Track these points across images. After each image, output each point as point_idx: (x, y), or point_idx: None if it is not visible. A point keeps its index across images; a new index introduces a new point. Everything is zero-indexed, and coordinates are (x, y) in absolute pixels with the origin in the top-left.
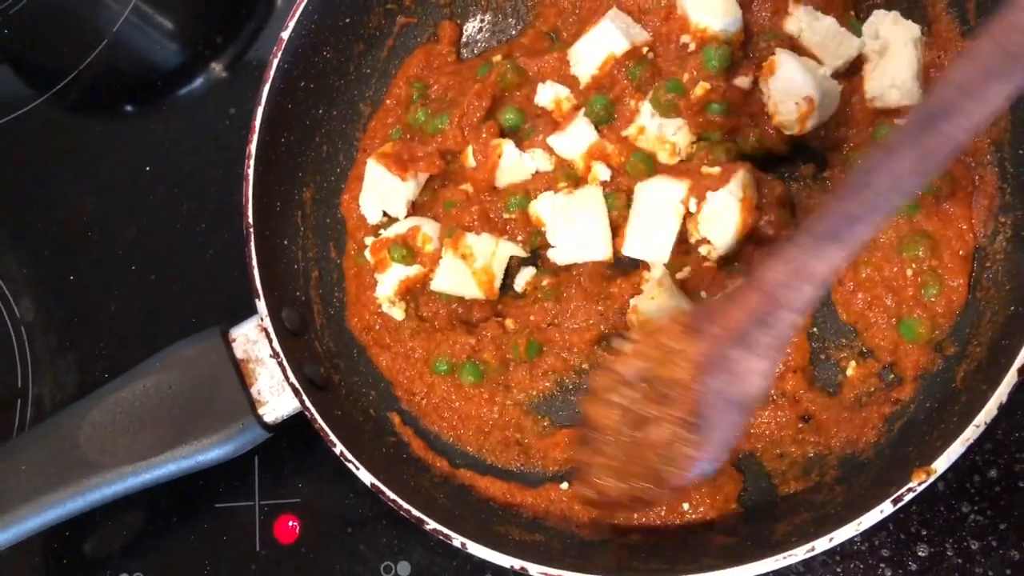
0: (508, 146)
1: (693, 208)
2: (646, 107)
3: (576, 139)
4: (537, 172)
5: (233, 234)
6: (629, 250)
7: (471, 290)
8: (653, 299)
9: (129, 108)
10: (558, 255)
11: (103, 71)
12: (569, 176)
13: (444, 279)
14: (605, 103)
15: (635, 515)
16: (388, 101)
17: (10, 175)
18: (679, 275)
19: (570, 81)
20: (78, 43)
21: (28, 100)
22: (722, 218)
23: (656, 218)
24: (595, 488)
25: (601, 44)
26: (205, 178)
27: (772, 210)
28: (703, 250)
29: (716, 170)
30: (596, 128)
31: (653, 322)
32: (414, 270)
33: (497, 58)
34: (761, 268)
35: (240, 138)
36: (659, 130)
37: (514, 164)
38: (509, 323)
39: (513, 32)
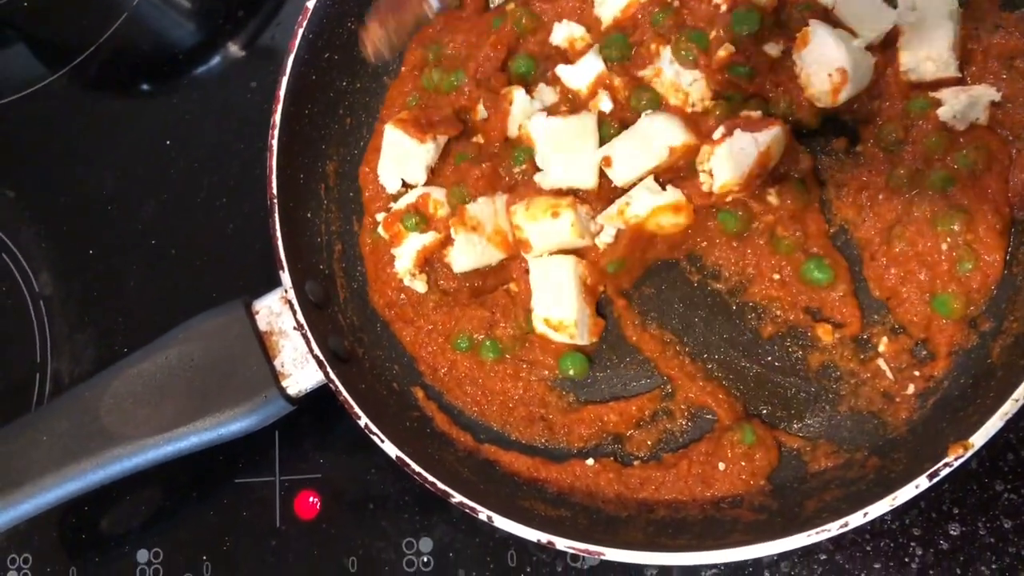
0: (518, 93)
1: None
2: (666, 52)
3: (584, 71)
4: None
5: (254, 208)
6: (617, 174)
7: (492, 255)
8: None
9: (147, 87)
10: (544, 179)
11: (120, 48)
12: (570, 104)
13: (463, 257)
14: (623, 43)
15: None
16: (404, 68)
17: (28, 149)
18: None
19: (589, 22)
20: (95, 19)
21: (45, 76)
22: (736, 159)
23: (644, 148)
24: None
25: None
26: (226, 153)
27: (788, 183)
28: (702, 178)
29: (757, 114)
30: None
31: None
32: (430, 238)
33: (511, 6)
34: None
35: (260, 113)
36: (676, 77)
37: (524, 111)
38: (513, 287)
39: None
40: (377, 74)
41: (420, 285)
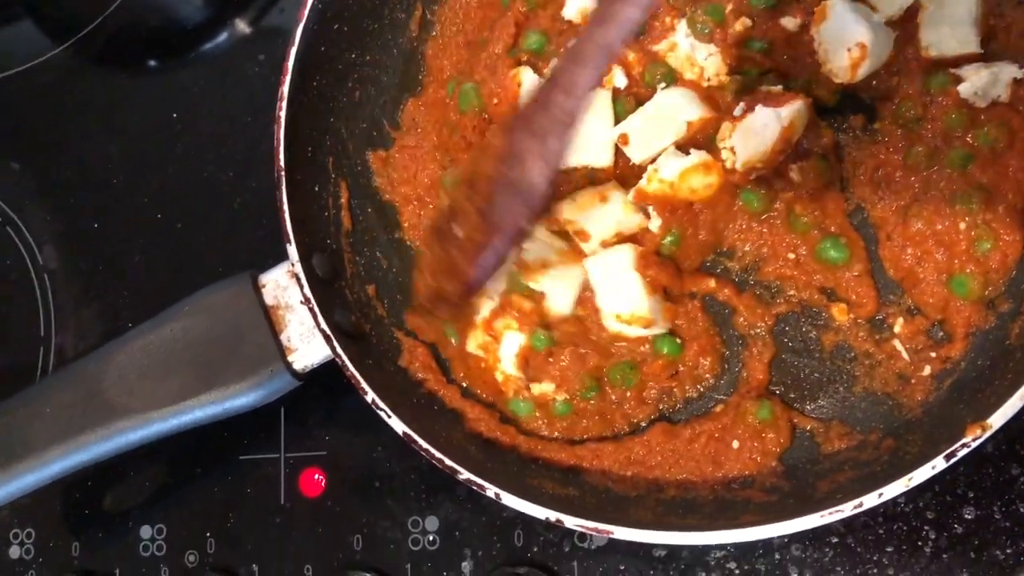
0: (527, 73)
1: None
2: (682, 25)
3: None
4: None
5: (261, 183)
6: (634, 152)
7: (575, 274)
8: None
9: (153, 63)
10: None
11: (127, 22)
12: None
13: (561, 299)
14: None
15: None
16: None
17: (32, 122)
18: None
19: None
20: None
21: (51, 48)
22: (759, 135)
23: (661, 124)
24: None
25: None
26: (233, 127)
27: (811, 159)
28: (724, 155)
29: (779, 88)
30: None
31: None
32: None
33: None
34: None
35: (268, 87)
36: (691, 51)
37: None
38: None
39: None
40: (387, 46)
41: (546, 387)
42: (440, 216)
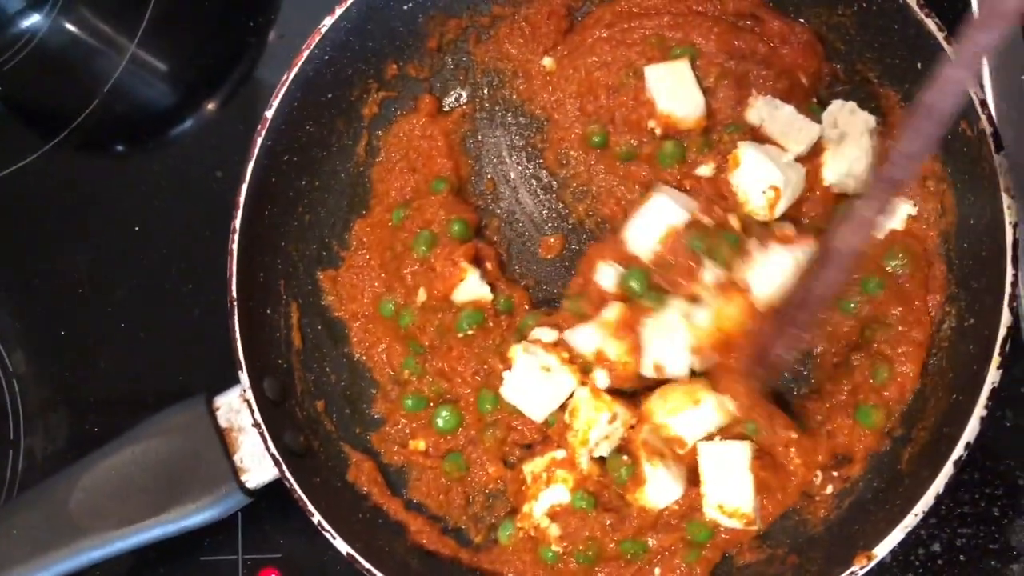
0: (473, 275)
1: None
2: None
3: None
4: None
5: (219, 294)
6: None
7: (676, 470)
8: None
9: (123, 151)
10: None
11: (103, 118)
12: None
13: (663, 492)
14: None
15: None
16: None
17: (5, 228)
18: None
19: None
20: (79, 92)
21: (29, 151)
22: (770, 273)
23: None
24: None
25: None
26: (193, 239)
27: None
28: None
29: (790, 230)
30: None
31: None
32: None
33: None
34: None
35: (226, 199)
36: None
37: (472, 291)
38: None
39: (487, 103)
40: (335, 171)
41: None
42: None
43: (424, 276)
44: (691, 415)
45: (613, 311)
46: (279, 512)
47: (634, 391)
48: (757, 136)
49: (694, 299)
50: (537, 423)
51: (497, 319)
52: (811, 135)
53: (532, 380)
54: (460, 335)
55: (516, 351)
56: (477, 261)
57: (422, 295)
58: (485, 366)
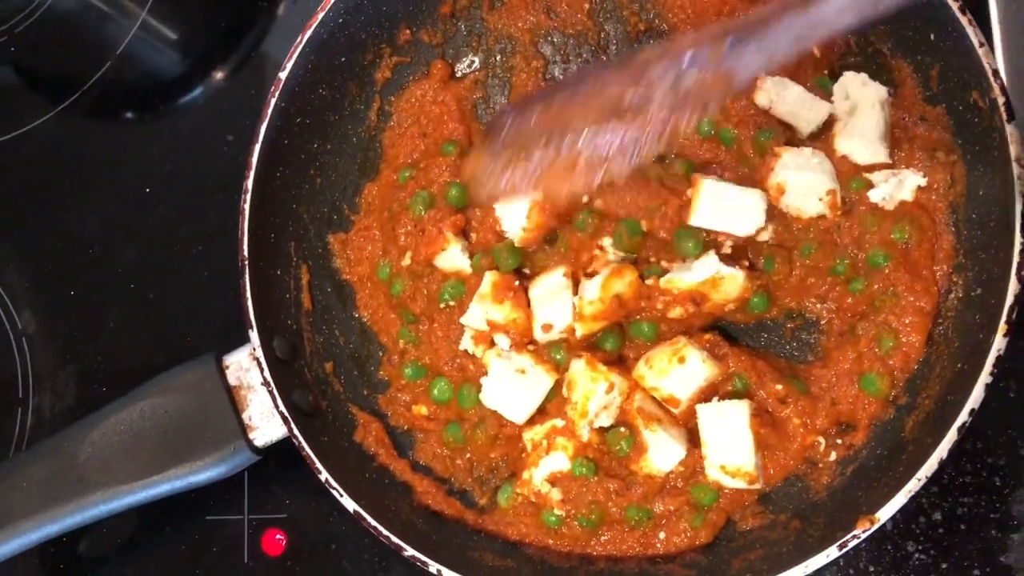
0: (455, 247)
1: None
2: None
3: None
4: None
5: (229, 257)
6: None
7: (680, 439)
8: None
9: (132, 118)
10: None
11: (113, 84)
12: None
13: (665, 456)
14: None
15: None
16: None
17: (17, 189)
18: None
19: None
20: (89, 58)
21: (39, 114)
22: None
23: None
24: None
25: None
26: (203, 202)
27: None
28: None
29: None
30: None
31: None
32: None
33: None
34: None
35: (236, 165)
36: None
37: (453, 263)
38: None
39: (499, 70)
40: (347, 135)
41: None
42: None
43: (414, 238)
44: (679, 373)
45: (486, 283)
46: (285, 474)
47: (622, 360)
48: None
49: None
50: (520, 424)
51: None
52: (821, 114)
53: (509, 384)
54: (442, 305)
55: (489, 356)
56: (465, 233)
57: (407, 258)
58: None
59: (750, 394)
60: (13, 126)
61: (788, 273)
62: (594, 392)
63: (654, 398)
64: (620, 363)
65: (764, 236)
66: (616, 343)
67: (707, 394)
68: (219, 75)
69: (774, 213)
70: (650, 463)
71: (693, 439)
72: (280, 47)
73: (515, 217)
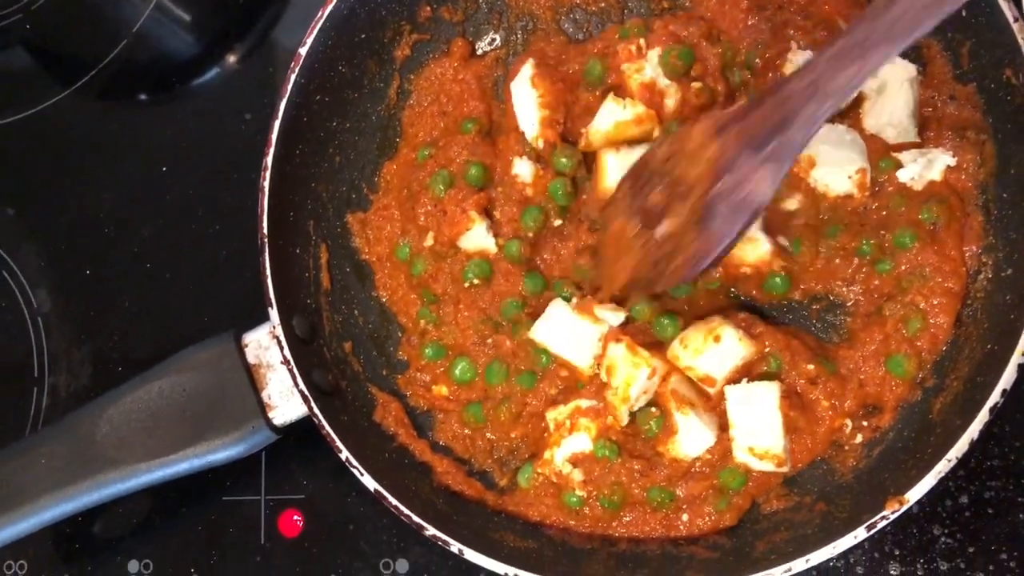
0: (479, 227)
1: None
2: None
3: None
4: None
5: (246, 237)
6: None
7: (709, 419)
8: None
9: (146, 100)
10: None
11: (126, 65)
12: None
13: (695, 441)
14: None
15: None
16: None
17: (32, 167)
18: None
19: None
20: (100, 40)
21: (52, 94)
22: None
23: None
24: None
25: None
26: (220, 181)
27: None
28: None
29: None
30: None
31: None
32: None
33: None
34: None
35: (254, 144)
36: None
37: (478, 242)
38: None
39: (520, 48)
40: (366, 113)
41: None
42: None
43: (435, 218)
44: (715, 352)
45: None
46: (302, 454)
47: (657, 343)
48: None
49: None
50: (566, 378)
51: (509, 279)
52: None
53: (566, 324)
54: (466, 284)
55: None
56: (488, 213)
57: (430, 239)
58: (491, 328)
59: (779, 376)
60: (27, 106)
61: (812, 260)
62: (636, 377)
63: (690, 381)
64: (656, 347)
65: (791, 205)
66: (675, 330)
67: (739, 375)
68: (233, 57)
69: (801, 186)
70: (678, 446)
71: (722, 424)
72: (295, 28)
73: (529, 116)
